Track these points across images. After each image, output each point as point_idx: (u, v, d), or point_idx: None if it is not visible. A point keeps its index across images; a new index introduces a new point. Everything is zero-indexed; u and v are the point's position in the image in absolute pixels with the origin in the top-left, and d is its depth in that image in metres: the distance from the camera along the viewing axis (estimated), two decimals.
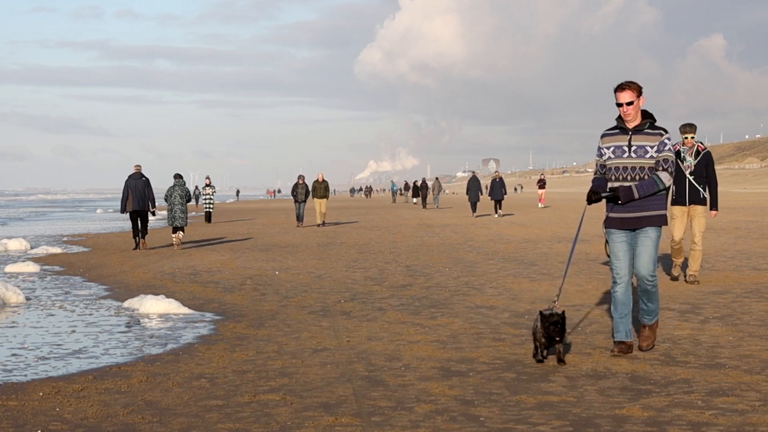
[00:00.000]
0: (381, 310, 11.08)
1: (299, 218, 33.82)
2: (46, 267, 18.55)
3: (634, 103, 7.69)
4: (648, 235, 7.68)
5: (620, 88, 7.73)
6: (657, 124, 7.77)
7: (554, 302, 7.84)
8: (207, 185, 40.57)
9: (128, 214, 22.71)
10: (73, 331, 10.13)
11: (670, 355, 7.96)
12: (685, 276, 13.18)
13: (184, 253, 21.18)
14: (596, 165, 8.01)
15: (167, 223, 23.42)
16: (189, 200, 23.19)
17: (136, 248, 22.62)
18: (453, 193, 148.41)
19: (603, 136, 7.88)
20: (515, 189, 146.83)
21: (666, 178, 7.55)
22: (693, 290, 12.27)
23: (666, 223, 7.74)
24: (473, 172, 44.81)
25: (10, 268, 17.72)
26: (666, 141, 7.64)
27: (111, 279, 15.97)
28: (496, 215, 39.86)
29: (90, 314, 11.52)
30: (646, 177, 7.61)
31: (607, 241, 7.86)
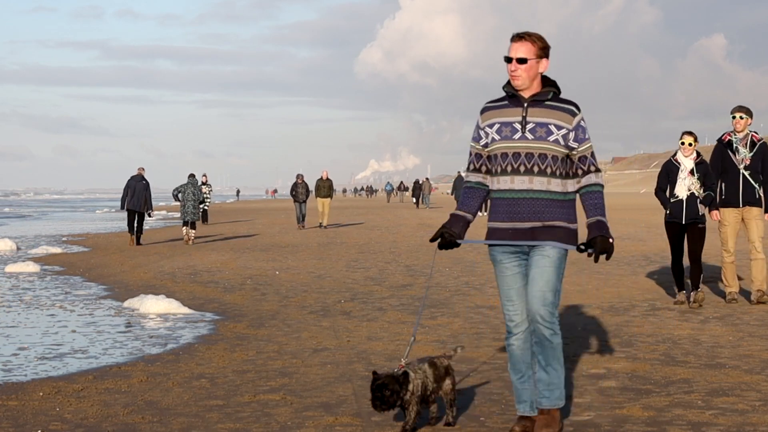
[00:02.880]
0: (381, 310, 11.08)
1: (300, 219, 31.92)
2: (46, 267, 18.55)
3: (530, 62, 5.27)
4: (545, 253, 5.33)
5: (517, 36, 5.36)
6: (564, 96, 5.44)
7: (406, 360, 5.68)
8: (203, 183, 39.85)
9: (126, 211, 24.73)
10: (74, 331, 10.13)
11: (670, 355, 7.96)
12: (748, 296, 11.15)
13: (184, 253, 21.19)
14: (469, 157, 5.49)
15: (180, 218, 25.31)
16: (202, 202, 25.44)
17: (130, 245, 24.37)
18: (445, 192, 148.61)
19: (484, 110, 5.44)
20: None
21: (601, 180, 5.40)
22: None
23: (575, 243, 5.34)
24: (459, 171, 46.24)
25: (10, 268, 17.72)
26: (583, 124, 5.33)
27: (111, 279, 15.96)
28: (483, 213, 40.37)
29: (90, 314, 11.52)
30: (549, 169, 5.25)
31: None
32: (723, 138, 11.01)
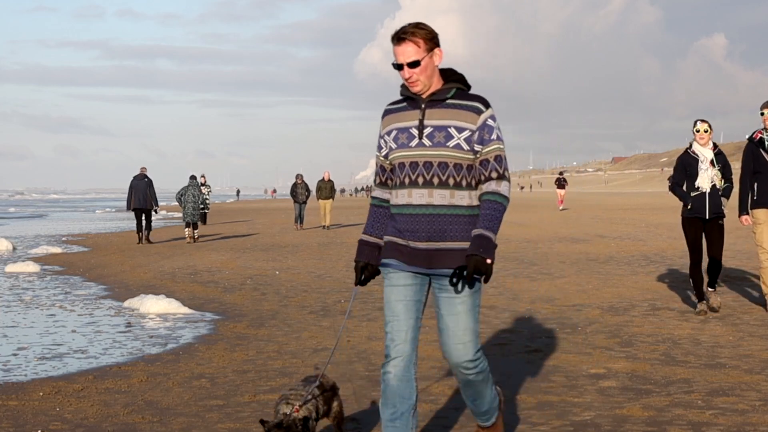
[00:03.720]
0: (381, 309, 11.08)
1: (298, 219, 31.63)
2: (47, 267, 18.55)
3: (423, 63, 4.45)
4: (457, 297, 4.52)
5: (397, 38, 4.49)
6: (473, 92, 4.58)
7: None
8: (202, 184, 39.90)
9: (132, 211, 25.48)
10: (74, 331, 10.13)
11: (670, 354, 7.96)
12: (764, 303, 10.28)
13: (184, 253, 21.19)
14: (376, 168, 4.71)
15: (183, 218, 25.97)
16: (204, 206, 26.50)
17: (139, 242, 25.06)
18: None
19: (384, 114, 4.68)
20: (521, 188, 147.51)
21: (507, 191, 4.46)
22: (692, 290, 12.25)
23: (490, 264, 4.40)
24: None
25: (10, 268, 17.72)
26: (491, 122, 4.45)
27: (111, 279, 15.97)
28: None
29: (90, 314, 11.52)
30: (452, 180, 4.44)
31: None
32: (754, 136, 10.16)
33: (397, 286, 4.59)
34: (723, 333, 8.97)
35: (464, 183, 4.47)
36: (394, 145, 4.56)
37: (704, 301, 10.12)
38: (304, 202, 31.94)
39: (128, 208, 25.44)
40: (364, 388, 6.84)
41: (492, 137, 4.46)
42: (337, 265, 17.08)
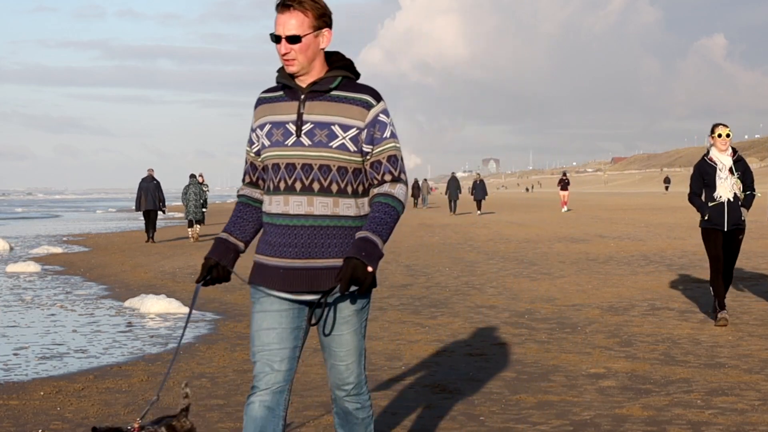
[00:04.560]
0: (381, 309, 11.09)
1: None
2: (47, 267, 18.56)
3: (305, 39, 3.75)
4: (342, 317, 3.86)
5: (282, 5, 3.78)
6: (362, 82, 3.87)
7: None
8: (199, 183, 39.07)
9: (142, 212, 26.33)
10: (74, 331, 10.14)
11: (669, 354, 7.97)
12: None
13: (184, 253, 21.20)
14: (245, 165, 4.04)
15: (185, 218, 26.68)
16: (204, 204, 26.60)
17: (148, 241, 25.95)
18: (443, 193, 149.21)
19: (257, 103, 3.98)
20: (526, 189, 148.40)
21: (402, 195, 3.83)
22: (693, 290, 12.27)
23: (375, 284, 3.72)
24: (453, 173, 47.67)
25: (11, 268, 17.74)
26: (383, 118, 3.79)
27: (111, 278, 15.98)
28: (478, 213, 42.27)
29: (91, 314, 11.53)
30: (335, 186, 3.76)
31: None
32: None
33: (269, 312, 3.90)
34: (722, 333, 8.98)
35: (350, 189, 3.79)
36: (267, 142, 3.84)
37: (726, 312, 9.45)
38: None
39: (138, 209, 26.09)
40: None
41: (384, 135, 3.79)
42: None
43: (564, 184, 48.04)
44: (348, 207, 3.80)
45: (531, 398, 6.44)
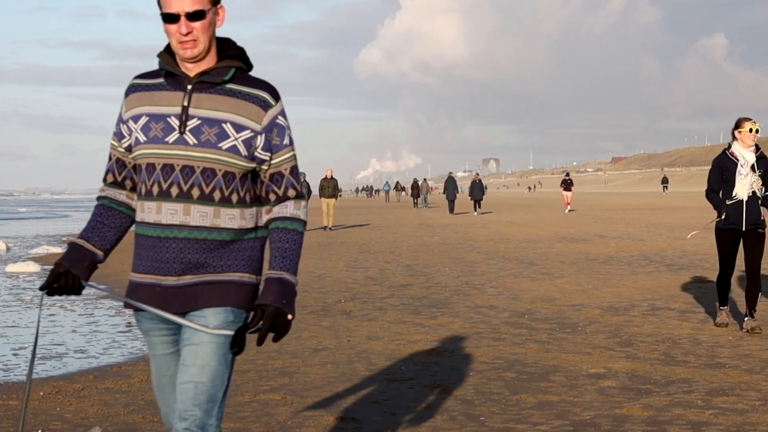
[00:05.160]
0: (381, 309, 11.09)
1: None
2: (47, 266, 18.54)
3: (208, 16, 3.23)
4: (204, 324, 3.25)
5: None
6: (255, 75, 3.36)
7: None
8: None
9: None
10: (74, 331, 10.14)
11: (669, 354, 7.97)
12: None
13: None
14: (108, 162, 3.43)
15: None
16: None
17: None
18: (442, 192, 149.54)
19: (133, 89, 3.37)
20: (528, 188, 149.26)
21: (306, 214, 3.36)
22: (693, 290, 12.27)
23: (252, 302, 3.28)
24: (450, 173, 48.28)
25: (10, 268, 17.73)
26: (281, 121, 3.30)
27: (111, 278, 15.96)
28: (475, 213, 42.84)
29: (90, 314, 11.52)
30: (219, 194, 3.24)
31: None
32: None
33: (158, 356, 3.38)
34: (723, 333, 8.97)
35: (235, 198, 3.26)
36: (142, 138, 3.27)
37: (726, 309, 9.22)
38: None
39: None
40: (364, 388, 6.85)
41: (284, 142, 3.29)
42: (338, 265, 17.09)
43: (567, 184, 47.19)
44: (231, 218, 3.26)
45: (531, 398, 6.44)
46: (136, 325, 10.41)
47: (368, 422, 5.90)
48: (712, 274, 14.03)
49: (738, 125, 8.97)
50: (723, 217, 8.99)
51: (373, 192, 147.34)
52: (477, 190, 44.62)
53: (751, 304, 8.97)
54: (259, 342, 3.19)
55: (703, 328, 9.30)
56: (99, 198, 3.47)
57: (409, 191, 64.57)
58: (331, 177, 31.27)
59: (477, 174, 48.29)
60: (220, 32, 3.32)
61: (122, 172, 3.41)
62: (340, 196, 31.69)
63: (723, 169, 9.03)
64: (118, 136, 3.38)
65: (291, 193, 3.31)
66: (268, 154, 3.27)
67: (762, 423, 5.71)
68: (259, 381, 7.20)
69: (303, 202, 3.35)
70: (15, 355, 8.74)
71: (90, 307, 12.22)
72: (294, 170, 3.33)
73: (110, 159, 3.43)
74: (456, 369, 7.49)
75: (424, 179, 61.77)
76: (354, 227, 32.54)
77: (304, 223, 3.33)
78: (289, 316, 3.22)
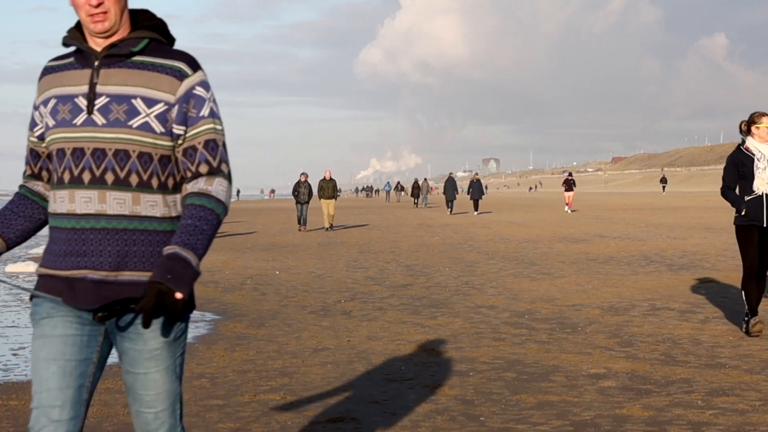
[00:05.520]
0: (381, 309, 11.09)
1: (301, 221, 29.99)
2: None
3: None
4: (148, 348, 3.00)
5: None
6: (177, 48, 3.09)
7: None
8: None
9: None
10: None
11: (670, 354, 7.96)
12: None
13: None
14: (26, 155, 3.21)
15: None
16: None
17: None
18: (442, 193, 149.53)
19: (45, 72, 3.13)
20: (530, 188, 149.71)
21: (223, 193, 3.00)
22: (693, 290, 12.27)
23: (192, 307, 3.05)
24: (450, 174, 48.80)
25: (9, 268, 17.72)
26: (200, 92, 3.00)
27: None
28: (475, 213, 43.13)
29: None
30: (136, 178, 2.95)
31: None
32: None
33: (51, 338, 2.96)
34: (723, 333, 8.97)
35: (155, 183, 2.97)
36: (51, 122, 3.01)
37: (757, 320, 8.69)
38: (306, 203, 30.18)
39: None
40: (364, 388, 6.85)
41: (202, 113, 2.98)
42: (338, 265, 17.09)
43: (569, 184, 46.02)
44: (152, 206, 2.97)
45: (531, 398, 6.43)
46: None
47: (368, 422, 5.89)
48: (713, 274, 14.03)
49: (755, 121, 8.68)
50: (743, 213, 8.62)
51: (373, 192, 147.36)
52: (476, 189, 44.94)
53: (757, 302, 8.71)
54: (144, 324, 2.81)
55: (704, 328, 9.29)
56: (20, 186, 3.23)
57: (410, 191, 64.57)
58: (330, 178, 31.07)
59: (476, 174, 48.46)
60: (137, 3, 3.13)
61: (37, 163, 3.17)
62: (339, 195, 31.01)
63: (739, 165, 8.70)
64: (31, 125, 3.14)
65: (203, 168, 2.98)
66: (183, 127, 2.97)
67: (762, 423, 5.71)
68: (259, 381, 7.20)
69: (218, 179, 2.99)
70: (15, 355, 8.74)
71: None
72: (210, 144, 2.98)
73: (27, 150, 3.20)
74: (456, 369, 7.49)
75: (425, 179, 61.99)
76: (354, 227, 32.53)
77: (218, 201, 2.96)
78: (178, 295, 2.82)
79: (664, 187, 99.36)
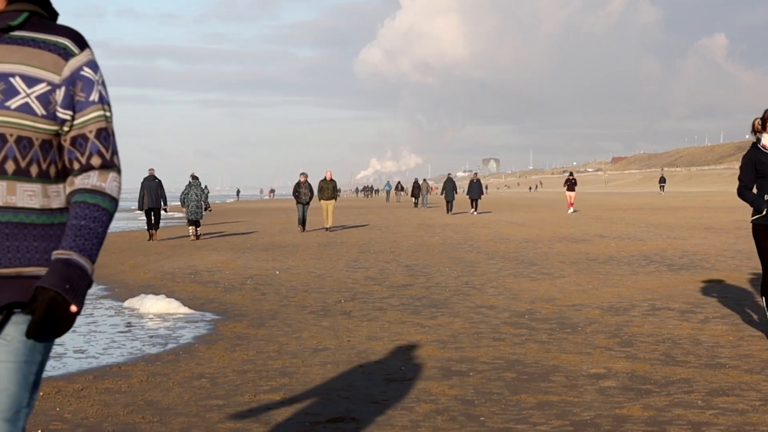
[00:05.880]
0: (381, 309, 11.09)
1: (301, 222, 29.75)
2: None
3: None
4: (2, 335, 2.65)
5: None
6: (62, 23, 2.81)
7: None
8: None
9: (143, 211, 27.03)
10: (73, 331, 10.12)
11: (670, 354, 7.96)
12: None
13: (184, 253, 21.20)
14: None
15: (186, 217, 27.12)
16: (207, 205, 27.50)
17: (150, 240, 26.56)
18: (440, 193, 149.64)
19: None
20: (530, 188, 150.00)
21: (116, 189, 2.72)
22: (693, 290, 12.27)
23: (71, 303, 2.55)
24: (449, 174, 49.45)
25: None
26: (88, 73, 2.70)
27: (111, 278, 15.96)
28: (474, 213, 43.74)
29: (90, 314, 11.51)
30: (12, 165, 2.62)
31: None
32: None
33: None
34: (723, 333, 8.97)
35: (34, 171, 2.67)
36: None
37: None
38: (307, 203, 29.78)
39: (140, 207, 26.68)
40: (364, 388, 6.84)
41: (91, 98, 2.71)
42: (337, 265, 17.08)
43: (570, 184, 44.98)
44: (30, 196, 2.66)
45: (531, 398, 6.43)
46: (134, 325, 10.41)
47: (368, 422, 5.89)
48: (713, 274, 14.03)
49: (766, 118, 8.38)
50: (764, 212, 8.29)
51: (373, 192, 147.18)
52: (475, 189, 45.35)
53: None
54: (29, 333, 2.56)
55: (704, 328, 9.29)
56: None
57: (410, 191, 64.46)
58: (331, 179, 30.74)
59: (475, 174, 48.80)
60: None
61: None
62: (339, 195, 30.36)
63: (757, 164, 8.37)
64: None
65: (96, 161, 2.69)
66: (70, 112, 2.68)
67: (762, 423, 5.70)
68: (259, 381, 7.19)
69: (112, 174, 2.71)
70: None
71: (89, 307, 12.21)
72: (102, 134, 2.70)
73: None
74: (456, 369, 7.49)
75: (424, 179, 62.18)
76: (354, 227, 32.51)
77: (112, 200, 2.70)
78: (73, 308, 2.58)
79: (662, 187, 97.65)
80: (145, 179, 26.64)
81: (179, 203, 27.31)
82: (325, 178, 30.84)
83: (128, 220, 47.12)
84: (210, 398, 6.65)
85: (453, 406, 6.25)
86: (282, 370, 7.62)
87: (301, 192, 29.64)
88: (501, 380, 7.03)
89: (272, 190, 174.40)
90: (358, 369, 7.57)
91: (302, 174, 30.23)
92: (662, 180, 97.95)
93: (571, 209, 43.91)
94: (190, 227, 26.79)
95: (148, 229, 27.02)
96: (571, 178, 45.43)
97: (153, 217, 26.73)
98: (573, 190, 44.80)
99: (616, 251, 18.84)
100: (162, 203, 26.47)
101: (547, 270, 15.29)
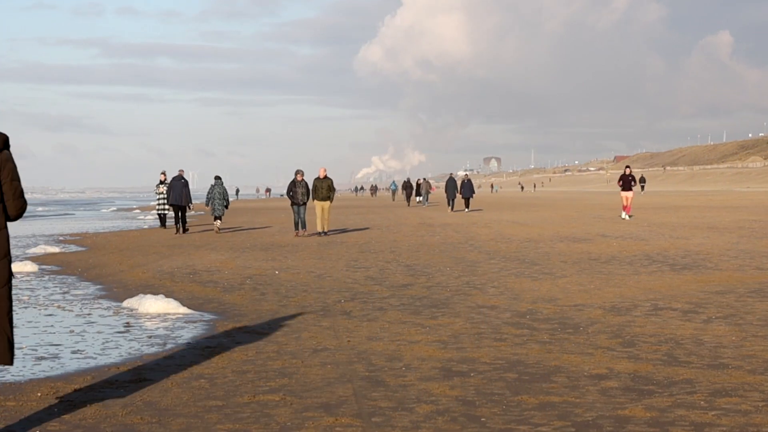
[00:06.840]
0: (381, 309, 11.04)
1: (299, 225, 26.91)
2: (44, 266, 18.50)
3: None
4: None
5: None
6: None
7: None
8: (180, 178, 30.56)
9: (171, 206, 30.15)
10: (72, 331, 10.08)
11: (672, 355, 7.92)
12: None
13: (183, 253, 21.16)
14: None
15: (211, 213, 30.14)
16: (227, 203, 29.70)
17: (177, 233, 29.30)
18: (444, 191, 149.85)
19: None
20: (521, 188, 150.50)
21: None
22: (696, 290, 12.22)
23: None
24: (450, 174, 53.65)
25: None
26: None
27: (109, 278, 15.92)
28: (466, 210, 46.59)
29: (88, 314, 11.47)
30: None
31: None
32: None
33: None
34: (726, 333, 8.92)
35: None
36: None
37: None
38: (304, 204, 27.00)
39: (168, 202, 30.23)
40: (364, 389, 6.80)
41: None
42: (337, 265, 17.04)
43: (627, 182, 33.20)
44: None
45: (533, 399, 6.39)
46: (133, 325, 10.36)
47: (368, 422, 5.85)
48: (716, 274, 13.98)
49: None
50: None
51: (376, 191, 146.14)
52: (467, 188, 47.59)
53: None
54: None
55: (706, 328, 9.24)
56: None
57: (414, 189, 64.13)
58: (325, 176, 27.07)
59: (467, 174, 51.40)
60: None
61: None
62: (334, 195, 26.83)
63: None
64: None
65: None
66: None
67: (765, 424, 5.66)
68: (259, 382, 7.15)
69: None
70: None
71: (87, 307, 12.17)
72: None
73: None
74: (457, 369, 7.45)
75: (424, 178, 62.60)
76: (354, 228, 32.47)
77: None
78: None
79: (642, 187, 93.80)
80: (173, 178, 29.88)
81: (204, 202, 30.52)
82: (318, 176, 27.22)
83: (128, 219, 47.13)
84: (209, 399, 6.61)
85: (454, 407, 6.21)
86: (281, 370, 7.58)
87: (297, 192, 26.81)
88: (502, 381, 6.99)
89: (268, 189, 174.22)
90: (358, 369, 7.53)
91: (298, 172, 27.38)
92: (642, 180, 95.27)
93: (625, 214, 33.00)
94: (216, 221, 29.57)
95: (175, 223, 30.06)
96: (628, 174, 33.64)
97: (180, 213, 29.55)
98: (630, 189, 33.19)
99: (618, 251, 18.80)
100: (186, 200, 29.38)
101: (549, 270, 15.24)
